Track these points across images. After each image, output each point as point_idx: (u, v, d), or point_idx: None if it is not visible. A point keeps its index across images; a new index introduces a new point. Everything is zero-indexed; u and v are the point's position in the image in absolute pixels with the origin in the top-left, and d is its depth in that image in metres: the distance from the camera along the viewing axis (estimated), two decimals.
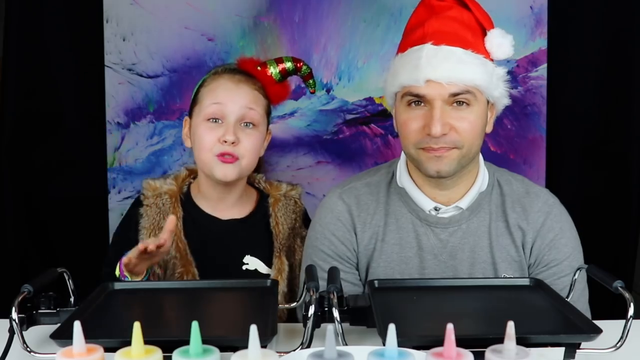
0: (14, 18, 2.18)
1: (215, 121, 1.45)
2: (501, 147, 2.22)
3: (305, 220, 1.60)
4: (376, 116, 2.22)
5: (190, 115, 1.53)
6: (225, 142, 1.43)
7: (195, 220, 1.52)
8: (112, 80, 2.21)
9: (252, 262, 1.51)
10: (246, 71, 1.52)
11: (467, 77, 1.25)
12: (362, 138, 2.24)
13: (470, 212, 1.37)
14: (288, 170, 2.25)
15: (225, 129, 1.44)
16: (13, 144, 2.22)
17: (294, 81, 2.19)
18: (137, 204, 1.54)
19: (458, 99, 1.26)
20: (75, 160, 2.26)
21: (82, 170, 2.26)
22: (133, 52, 2.20)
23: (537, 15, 2.17)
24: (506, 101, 1.35)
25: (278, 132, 2.23)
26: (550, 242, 1.36)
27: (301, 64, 1.57)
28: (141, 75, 2.21)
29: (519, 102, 2.20)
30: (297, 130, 2.23)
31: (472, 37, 1.29)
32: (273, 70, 1.53)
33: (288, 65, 1.55)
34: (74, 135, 2.24)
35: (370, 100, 2.21)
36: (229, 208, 1.54)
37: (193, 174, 1.59)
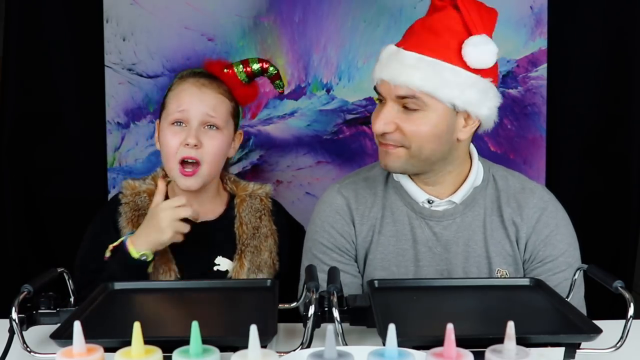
0: (14, 18, 2.18)
1: (180, 124, 1.48)
2: (501, 147, 2.22)
3: (278, 218, 1.60)
4: None
5: (160, 119, 1.56)
6: (188, 145, 1.46)
7: None
8: (112, 80, 2.21)
9: (223, 263, 1.53)
10: (212, 74, 1.54)
11: (414, 83, 1.26)
12: (362, 138, 2.24)
13: (465, 206, 1.38)
14: (288, 170, 2.25)
15: (188, 133, 1.46)
16: (13, 144, 2.22)
17: (293, 82, 2.20)
18: (114, 203, 1.55)
19: (405, 102, 1.28)
20: (75, 160, 2.26)
21: (82, 170, 2.26)
22: (133, 52, 2.20)
23: (537, 15, 2.17)
24: (485, 112, 1.31)
25: (278, 132, 2.23)
26: (545, 238, 1.37)
27: (267, 65, 1.57)
28: (141, 75, 2.21)
29: (519, 102, 2.20)
30: (297, 130, 2.23)
31: (448, 43, 1.27)
32: (239, 72, 1.54)
33: (254, 66, 1.55)
34: (74, 135, 2.25)
35: (370, 100, 2.21)
36: (202, 209, 1.54)
37: None
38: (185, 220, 1.44)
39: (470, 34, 1.27)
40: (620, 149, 2.24)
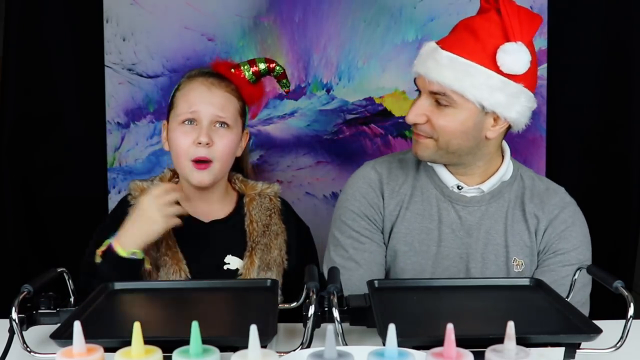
0: (14, 18, 2.18)
1: (190, 123, 1.49)
2: None
3: (288, 217, 1.61)
4: (376, 116, 2.22)
5: (167, 119, 1.56)
6: (200, 143, 1.46)
7: None
8: (112, 80, 2.21)
9: (233, 262, 1.53)
10: (220, 74, 1.55)
11: (446, 82, 1.33)
12: (362, 138, 2.24)
13: (491, 196, 1.45)
14: (288, 170, 2.25)
15: (199, 131, 1.47)
16: (13, 144, 2.22)
17: (293, 82, 2.20)
18: (123, 204, 1.55)
19: (437, 98, 1.36)
20: (75, 160, 2.26)
21: (82, 170, 2.26)
22: (133, 52, 2.20)
23: None
24: (514, 115, 1.36)
25: (278, 132, 2.23)
26: (560, 233, 1.43)
27: (274, 64, 1.59)
28: (141, 75, 2.21)
29: None
30: (297, 130, 2.23)
31: (484, 46, 1.32)
32: (246, 72, 1.56)
33: (261, 66, 1.58)
34: (74, 135, 2.25)
35: (370, 100, 2.21)
36: (211, 208, 1.56)
37: (177, 174, 1.60)
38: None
39: (507, 39, 1.32)
40: (620, 149, 2.24)
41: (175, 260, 1.49)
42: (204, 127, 1.47)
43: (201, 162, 1.48)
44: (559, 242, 1.43)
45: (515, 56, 1.31)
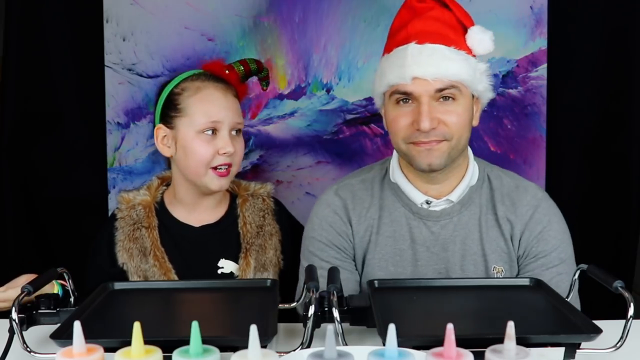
0: (14, 18, 2.18)
1: (210, 132, 1.46)
2: (501, 147, 2.22)
3: (281, 217, 1.61)
4: (376, 116, 2.22)
5: (168, 124, 1.50)
6: (225, 153, 1.45)
7: (168, 229, 1.53)
8: (112, 80, 2.21)
9: (226, 265, 1.52)
10: (222, 77, 1.53)
11: (452, 73, 1.30)
12: (362, 138, 2.24)
13: (461, 205, 1.41)
14: (288, 170, 2.25)
15: (224, 141, 1.45)
16: (13, 144, 2.23)
17: (294, 81, 2.20)
18: (111, 220, 1.55)
19: (444, 94, 1.31)
20: (75, 160, 2.26)
21: (82, 170, 2.26)
22: (133, 52, 2.20)
23: (537, 15, 2.17)
24: (490, 95, 1.39)
25: (278, 132, 2.23)
26: (538, 234, 1.38)
27: (262, 66, 1.66)
28: (141, 75, 2.21)
29: (519, 102, 2.20)
30: (297, 130, 2.23)
31: (454, 34, 1.33)
32: (240, 72, 1.57)
33: (252, 66, 1.61)
34: (74, 135, 2.25)
35: (370, 100, 2.21)
36: (204, 212, 1.55)
37: (165, 181, 1.59)
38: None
39: (465, 27, 1.34)
40: (620, 149, 2.24)
41: (164, 270, 1.48)
42: (226, 135, 1.45)
43: (222, 169, 1.47)
44: (537, 244, 1.38)
45: (484, 35, 1.33)
